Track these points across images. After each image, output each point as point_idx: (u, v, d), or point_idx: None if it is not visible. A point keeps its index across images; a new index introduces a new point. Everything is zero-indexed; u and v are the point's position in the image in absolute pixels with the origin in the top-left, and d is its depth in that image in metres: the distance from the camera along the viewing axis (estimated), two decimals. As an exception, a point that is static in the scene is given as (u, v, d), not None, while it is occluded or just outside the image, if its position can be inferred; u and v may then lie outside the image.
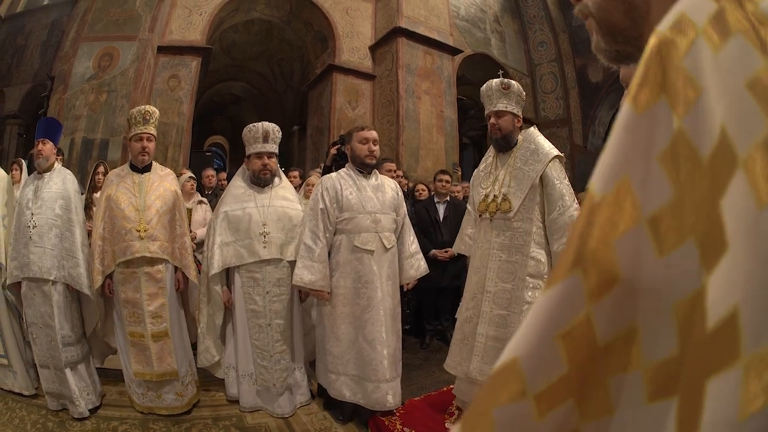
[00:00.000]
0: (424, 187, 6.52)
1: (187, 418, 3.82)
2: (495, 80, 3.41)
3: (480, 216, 3.40)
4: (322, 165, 6.41)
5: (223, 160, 22.27)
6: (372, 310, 3.51)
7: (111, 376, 4.35)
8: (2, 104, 13.49)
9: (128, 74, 9.73)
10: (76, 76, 9.72)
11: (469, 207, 3.76)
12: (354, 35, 12.69)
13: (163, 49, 10.71)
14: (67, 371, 3.75)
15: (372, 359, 3.49)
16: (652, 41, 0.44)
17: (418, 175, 10.40)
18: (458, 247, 3.91)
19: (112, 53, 9.82)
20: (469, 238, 3.76)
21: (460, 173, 10.65)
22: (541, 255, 3.15)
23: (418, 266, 3.86)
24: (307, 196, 5.34)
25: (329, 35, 12.54)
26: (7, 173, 5.17)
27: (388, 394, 3.49)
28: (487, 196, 3.38)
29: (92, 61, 9.76)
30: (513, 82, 3.45)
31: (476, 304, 3.31)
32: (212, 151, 20.43)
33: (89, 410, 3.83)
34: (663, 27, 0.43)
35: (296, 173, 7.13)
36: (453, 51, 12.90)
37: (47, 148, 3.91)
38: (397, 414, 3.58)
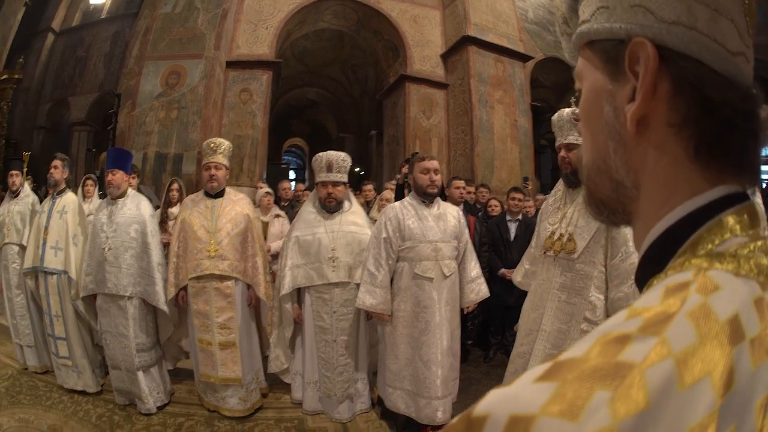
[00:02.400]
0: (497, 203, 6.48)
1: (251, 418, 4.22)
2: (566, 110, 3.29)
3: (544, 253, 3.39)
4: (397, 176, 6.51)
5: (302, 162, 22.47)
6: (429, 333, 3.73)
7: (182, 376, 4.81)
8: (68, 112, 14.68)
9: (198, 91, 10.11)
10: (144, 94, 10.17)
11: (532, 242, 3.73)
12: (424, 44, 12.71)
13: (232, 64, 11.09)
14: (139, 373, 4.21)
15: (426, 378, 3.72)
16: None
17: (493, 186, 10.35)
18: (515, 277, 3.91)
19: (179, 71, 10.23)
20: (525, 274, 3.77)
21: (530, 187, 10.52)
22: (599, 301, 3.11)
23: (478, 290, 4.02)
24: (380, 211, 5.56)
25: (399, 44, 12.62)
26: (80, 187, 5.87)
27: (438, 410, 3.71)
28: (553, 233, 3.35)
29: (159, 79, 10.20)
30: None
31: (531, 340, 3.35)
32: (287, 162, 20.73)
33: (157, 407, 4.28)
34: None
35: (370, 187, 7.32)
36: (524, 58, 12.86)
37: (117, 177, 4.29)
38: None
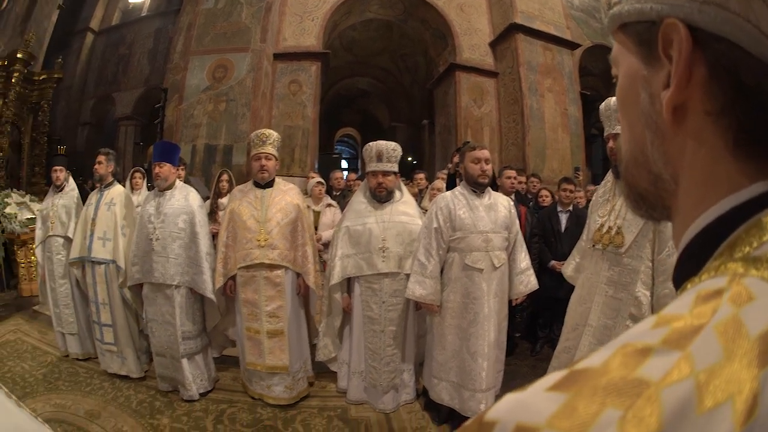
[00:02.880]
0: (548, 193, 6.49)
1: (295, 406, 4.32)
2: (613, 98, 3.22)
3: (593, 246, 3.36)
4: (448, 166, 6.50)
5: (354, 151, 22.54)
6: (477, 325, 3.75)
7: (228, 363, 4.93)
8: (113, 108, 15.24)
9: (246, 83, 10.23)
10: (191, 88, 10.33)
11: (583, 234, 3.70)
12: (472, 32, 12.63)
13: (279, 56, 11.20)
14: (184, 361, 4.35)
15: (472, 370, 3.76)
16: None
17: (545, 176, 10.33)
18: (565, 270, 3.87)
19: (226, 65, 10.36)
20: (576, 268, 3.75)
21: (581, 177, 10.30)
22: (644, 297, 3.07)
23: (527, 282, 4.02)
24: (431, 200, 5.52)
25: (447, 33, 12.54)
26: (128, 179, 6.22)
27: (481, 403, 3.74)
28: (602, 226, 3.32)
29: (205, 73, 10.34)
30: None
31: (577, 335, 3.34)
32: (339, 151, 20.81)
33: (200, 394, 4.42)
34: None
35: (422, 176, 7.37)
36: (572, 45, 12.72)
37: (164, 170, 4.43)
38: None
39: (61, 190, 5.49)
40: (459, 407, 3.82)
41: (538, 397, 0.37)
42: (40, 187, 11.69)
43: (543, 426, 0.34)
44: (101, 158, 5.00)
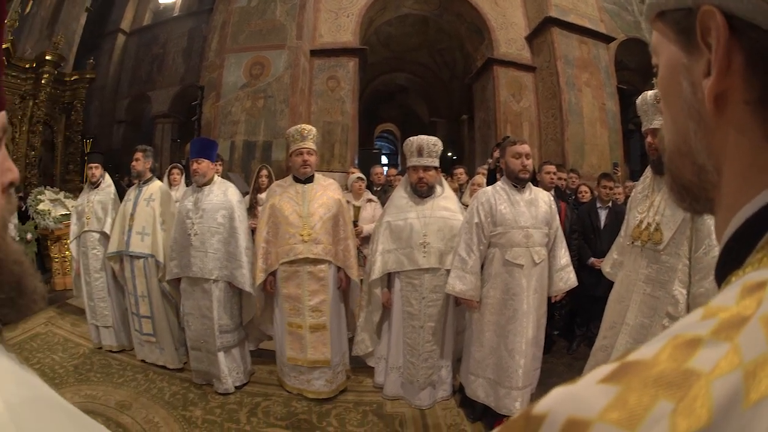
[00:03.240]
0: (587, 189, 6.50)
1: (330, 400, 4.35)
2: (649, 92, 3.18)
3: (632, 243, 3.33)
4: (488, 161, 6.47)
5: (394, 147, 22.53)
6: (516, 322, 3.74)
7: (265, 356, 4.97)
8: (149, 106, 15.75)
9: (283, 80, 10.31)
10: (228, 85, 10.44)
11: (622, 231, 3.67)
12: (508, 26, 12.58)
13: (316, 53, 11.28)
14: (220, 354, 4.43)
15: (509, 367, 3.76)
16: None
17: (584, 171, 10.28)
18: (604, 267, 3.84)
19: (262, 62, 10.46)
20: (615, 265, 3.71)
21: (619, 173, 10.16)
22: (681, 296, 3.01)
23: (567, 279, 4.01)
24: (471, 196, 5.61)
25: (483, 27, 12.51)
26: (165, 175, 6.31)
27: (516, 401, 3.74)
28: (641, 222, 3.28)
29: (242, 70, 10.46)
30: None
31: (614, 334, 3.31)
32: (379, 147, 20.85)
33: (235, 387, 4.49)
34: None
35: (462, 170, 7.36)
36: (606, 39, 12.64)
37: (203, 166, 4.49)
38: None
39: (97, 187, 5.60)
40: (494, 405, 3.84)
41: (589, 390, 0.37)
42: (75, 184, 11.94)
43: (595, 419, 0.35)
44: (138, 155, 5.09)
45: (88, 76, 13.85)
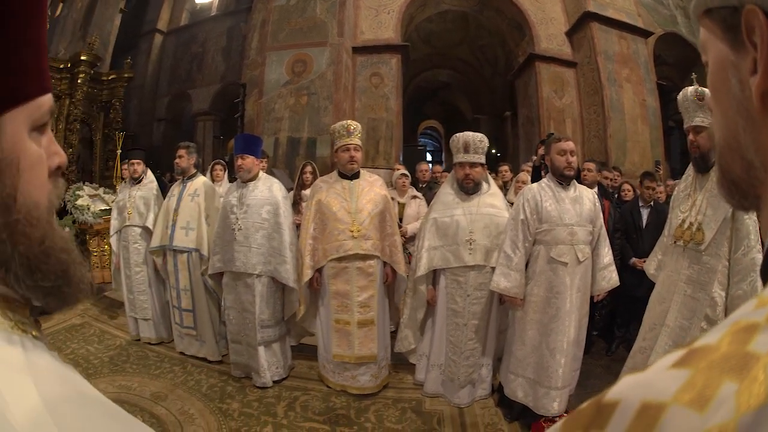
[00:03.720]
0: (630, 187, 6.46)
1: (369, 396, 4.39)
2: (690, 89, 3.16)
3: (674, 242, 3.32)
4: (533, 158, 6.50)
5: (438, 144, 22.58)
6: (558, 320, 3.74)
7: (306, 351, 5.01)
8: (189, 104, 16.06)
9: (326, 77, 10.37)
10: (270, 83, 10.56)
11: (665, 230, 3.65)
12: (547, 21, 12.52)
13: (358, 50, 11.32)
14: (260, 348, 4.48)
15: (549, 366, 3.76)
16: None
17: (626, 169, 10.21)
18: (648, 268, 3.82)
19: (304, 59, 10.54)
20: (658, 266, 3.68)
21: (661, 171, 10.03)
22: (720, 297, 2.99)
23: (609, 278, 3.98)
24: (516, 193, 5.67)
25: (523, 22, 12.46)
26: (207, 172, 6.36)
27: (555, 401, 3.74)
28: (683, 221, 3.27)
29: (284, 67, 10.56)
30: (707, 91, 3.02)
31: (654, 335, 3.31)
32: (424, 144, 20.91)
33: (274, 381, 4.53)
34: None
35: (506, 167, 7.37)
36: (644, 33, 12.51)
37: (247, 162, 4.54)
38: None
39: (138, 183, 5.71)
40: (532, 405, 3.86)
41: (661, 375, 0.39)
42: (114, 180, 12.19)
43: (670, 401, 0.37)
44: (182, 152, 5.17)
45: (126, 75, 14.08)
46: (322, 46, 10.59)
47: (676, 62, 14.08)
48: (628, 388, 0.40)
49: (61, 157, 0.65)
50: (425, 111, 21.64)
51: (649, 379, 0.40)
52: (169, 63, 16.99)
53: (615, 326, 5.69)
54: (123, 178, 6.82)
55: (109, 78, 13.76)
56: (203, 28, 16.47)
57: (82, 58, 12.02)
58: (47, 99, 0.62)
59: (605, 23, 12.00)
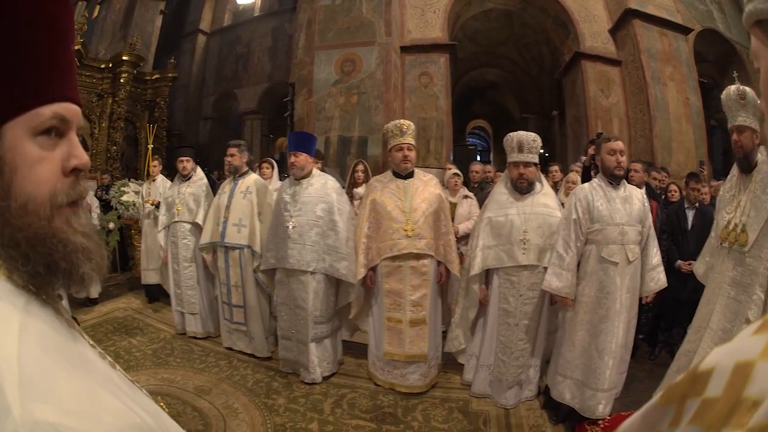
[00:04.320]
0: (676, 188, 6.32)
1: (417, 395, 4.39)
2: (732, 87, 3.15)
3: (720, 244, 3.30)
4: (582, 158, 6.46)
5: (486, 144, 22.53)
6: (608, 321, 3.73)
7: (355, 349, 5.04)
8: (236, 103, 16.40)
9: (376, 76, 10.39)
10: (319, 82, 10.62)
11: (712, 232, 3.63)
12: (591, 19, 12.40)
13: (406, 49, 11.34)
14: (312, 344, 4.51)
15: (597, 368, 3.75)
16: None
17: (672, 169, 10.06)
18: (697, 270, 3.79)
19: (353, 59, 10.57)
20: (705, 266, 3.67)
21: (706, 173, 9.92)
22: (759, 299, 2.97)
23: (657, 279, 3.94)
24: (566, 194, 5.67)
25: (567, 20, 12.38)
26: (256, 169, 6.30)
27: (601, 404, 3.74)
28: (729, 223, 3.25)
29: (333, 66, 10.60)
30: (748, 90, 3.14)
31: (698, 338, 3.29)
32: (475, 143, 20.90)
33: (323, 377, 4.56)
34: None
35: (557, 168, 7.36)
36: (684, 30, 12.31)
37: (301, 159, 4.56)
38: (601, 425, 3.80)
39: (188, 179, 5.75)
40: (579, 407, 3.85)
41: (746, 341, 0.48)
42: (144, 177, 12.45)
43: (757, 358, 0.45)
44: (233, 150, 5.21)
45: (170, 74, 14.47)
46: (370, 46, 10.62)
47: (715, 59, 13.90)
48: (720, 355, 0.50)
49: (78, 159, 0.71)
50: (473, 110, 21.54)
51: (736, 346, 0.49)
52: (214, 63, 17.37)
53: (659, 330, 5.63)
54: (150, 175, 7.04)
55: (153, 77, 14.17)
56: (247, 28, 16.72)
57: (124, 58, 12.43)
58: (49, 109, 0.68)
59: (646, 20, 11.86)
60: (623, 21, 12.12)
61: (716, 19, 13.40)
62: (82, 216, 0.73)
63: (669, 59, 11.90)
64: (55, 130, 0.69)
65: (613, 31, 12.54)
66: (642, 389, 4.40)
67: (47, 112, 0.68)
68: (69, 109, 0.71)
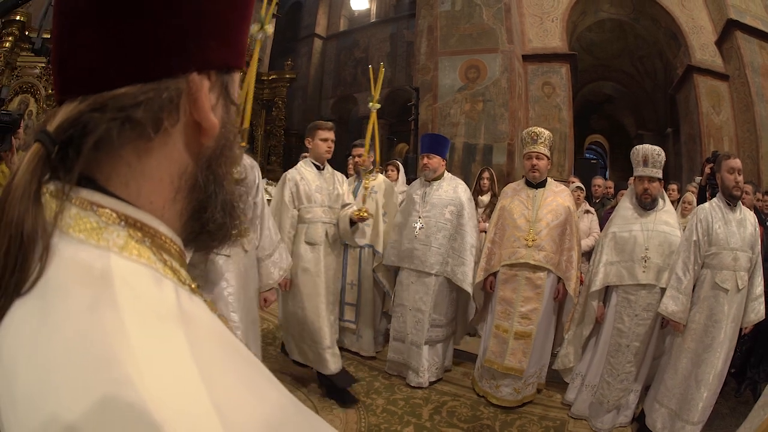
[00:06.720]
0: None
1: (516, 410, 4.31)
2: None
3: None
4: (697, 178, 6.35)
5: (603, 161, 21.97)
6: (711, 351, 3.61)
7: (462, 357, 5.01)
8: (355, 107, 16.84)
9: (500, 84, 10.31)
10: (444, 87, 10.59)
11: None
12: (698, 30, 11.93)
13: (527, 58, 11.28)
14: (425, 347, 4.50)
15: (692, 399, 3.62)
16: None
17: None
18: None
19: (477, 65, 10.50)
20: None
21: None
22: None
23: (758, 311, 3.73)
24: (683, 214, 5.54)
25: (677, 31, 11.95)
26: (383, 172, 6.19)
27: None
28: None
29: (457, 73, 10.55)
30: None
31: None
32: (596, 158, 20.55)
33: (429, 382, 4.52)
34: None
35: (675, 186, 7.11)
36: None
37: (434, 161, 4.60)
38: None
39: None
40: None
41: None
42: (276, 174, 12.97)
43: None
44: (360, 150, 5.12)
45: (287, 76, 15.03)
46: (493, 53, 10.49)
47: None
48: None
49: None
50: (591, 124, 20.81)
51: None
52: (332, 66, 18.10)
53: (748, 365, 5.09)
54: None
55: (270, 78, 14.79)
56: (364, 34, 17.20)
57: (240, 57, 13.07)
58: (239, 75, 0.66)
59: (747, 32, 11.31)
60: (727, 33, 11.59)
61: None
62: None
63: (770, 74, 11.66)
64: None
65: (719, 44, 11.93)
66: (723, 426, 4.19)
67: (238, 78, 0.67)
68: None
